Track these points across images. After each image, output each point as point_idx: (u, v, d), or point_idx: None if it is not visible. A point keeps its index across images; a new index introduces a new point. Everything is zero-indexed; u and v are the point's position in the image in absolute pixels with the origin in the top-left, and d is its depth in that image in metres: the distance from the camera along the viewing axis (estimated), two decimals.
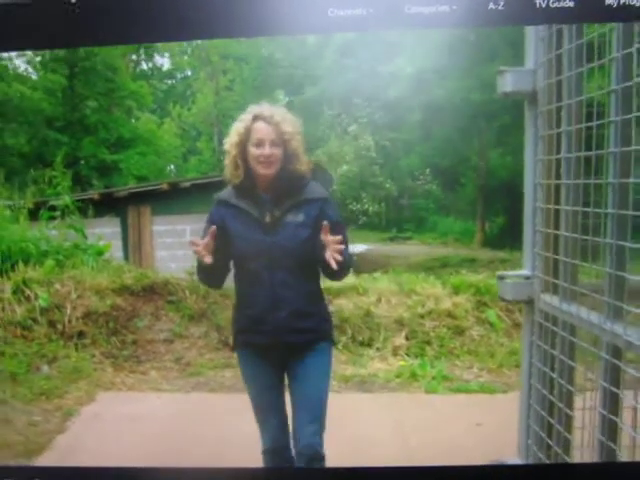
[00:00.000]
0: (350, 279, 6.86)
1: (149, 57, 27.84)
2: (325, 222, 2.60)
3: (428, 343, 6.22)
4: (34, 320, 5.99)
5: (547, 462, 2.49)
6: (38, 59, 21.99)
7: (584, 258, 2.21)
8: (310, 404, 2.81)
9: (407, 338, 6.27)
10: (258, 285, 2.76)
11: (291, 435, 2.85)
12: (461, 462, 2.89)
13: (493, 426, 4.33)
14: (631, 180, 1.85)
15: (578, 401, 2.32)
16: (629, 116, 1.85)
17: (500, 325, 6.46)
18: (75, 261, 6.93)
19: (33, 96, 20.70)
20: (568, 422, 2.37)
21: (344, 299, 6.41)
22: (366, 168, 18.56)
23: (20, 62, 21.59)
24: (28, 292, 6.15)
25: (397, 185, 19.14)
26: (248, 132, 2.72)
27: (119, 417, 4.73)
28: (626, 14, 1.66)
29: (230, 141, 2.77)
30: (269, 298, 2.75)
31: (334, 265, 2.55)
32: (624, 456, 1.94)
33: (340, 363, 5.82)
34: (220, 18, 1.70)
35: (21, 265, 6.54)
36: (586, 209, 2.14)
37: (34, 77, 22.21)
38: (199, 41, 27.29)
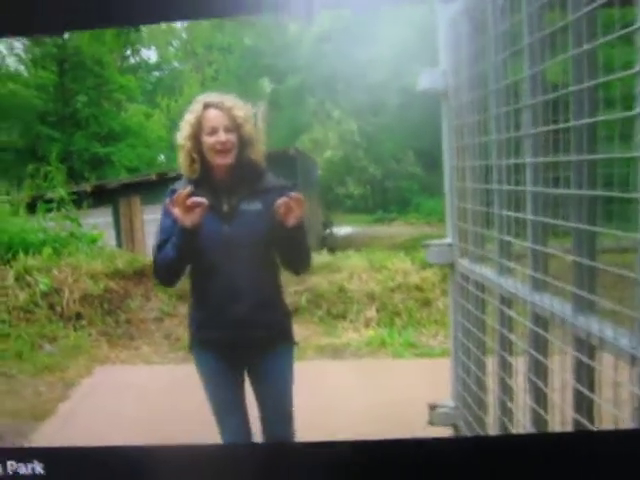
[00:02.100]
0: (325, 258, 7.41)
1: (135, 52, 28.06)
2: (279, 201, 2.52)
3: (397, 314, 6.73)
4: (35, 304, 6.53)
5: (471, 404, 3.00)
6: (29, 57, 22.29)
7: (487, 228, 2.71)
8: (279, 405, 2.82)
9: (378, 310, 6.79)
10: (216, 277, 2.67)
11: (260, 431, 2.83)
12: (415, 410, 3.42)
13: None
14: (508, 162, 2.36)
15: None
16: (504, 109, 2.34)
17: None
18: (71, 249, 7.47)
19: (26, 93, 20.99)
20: (482, 366, 2.88)
21: (319, 276, 6.90)
22: (350, 152, 18.93)
23: (11, 61, 21.90)
24: (29, 279, 6.69)
25: (381, 168, 19.51)
26: (200, 122, 2.65)
27: (115, 386, 5.28)
28: None
29: (182, 135, 2.69)
30: (228, 290, 2.66)
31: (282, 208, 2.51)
32: (516, 389, 2.42)
33: (316, 335, 6.36)
34: None
35: (21, 254, 7.06)
36: (482, 186, 2.65)
37: (26, 75, 22.46)
38: (184, 35, 27.71)
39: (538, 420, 2.16)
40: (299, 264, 2.83)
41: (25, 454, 1.85)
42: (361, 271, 7.14)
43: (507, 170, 2.35)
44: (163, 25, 27.22)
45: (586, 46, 1.67)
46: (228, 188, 2.69)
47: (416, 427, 3.37)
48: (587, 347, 1.82)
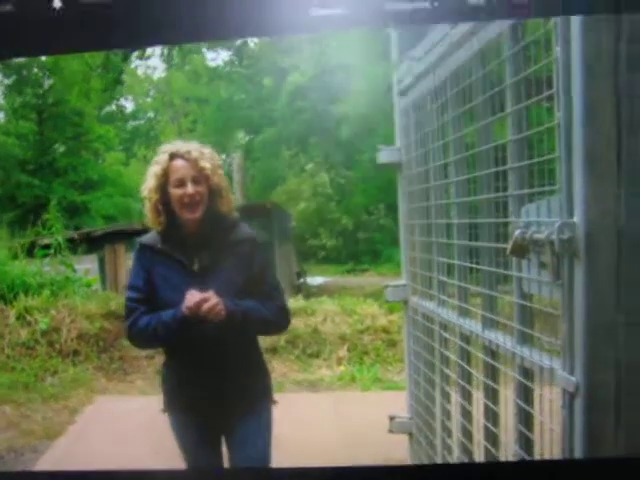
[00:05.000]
0: (300, 303, 8.15)
1: (113, 100, 28.60)
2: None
3: (366, 353, 7.45)
4: (36, 341, 7.24)
5: (421, 413, 3.72)
6: (9, 105, 22.88)
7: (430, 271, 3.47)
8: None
9: (348, 350, 7.51)
10: (189, 341, 2.50)
11: None
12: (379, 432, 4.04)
13: None
14: (442, 221, 3.14)
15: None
16: (441, 182, 3.14)
17: None
18: (67, 291, 8.13)
19: (6, 141, 21.58)
20: (431, 381, 3.61)
21: (295, 319, 7.50)
22: (323, 204, 19.53)
23: None
24: (29, 318, 7.37)
25: (353, 220, 20.13)
26: (166, 173, 2.49)
27: (115, 411, 5.96)
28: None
29: (148, 186, 2.53)
30: (201, 355, 2.53)
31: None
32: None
33: (293, 371, 7.08)
34: (201, 21, 1.64)
35: (22, 296, 7.73)
36: (426, 239, 3.43)
37: (5, 124, 22.98)
38: (160, 85, 28.41)
39: (464, 414, 2.91)
40: (271, 332, 3.25)
41: (30, 478, 1.94)
42: (334, 315, 7.87)
43: (441, 227, 3.13)
44: (141, 75, 28.05)
45: (484, 147, 2.47)
46: (198, 243, 2.56)
47: (379, 444, 4.09)
48: (492, 353, 2.57)
